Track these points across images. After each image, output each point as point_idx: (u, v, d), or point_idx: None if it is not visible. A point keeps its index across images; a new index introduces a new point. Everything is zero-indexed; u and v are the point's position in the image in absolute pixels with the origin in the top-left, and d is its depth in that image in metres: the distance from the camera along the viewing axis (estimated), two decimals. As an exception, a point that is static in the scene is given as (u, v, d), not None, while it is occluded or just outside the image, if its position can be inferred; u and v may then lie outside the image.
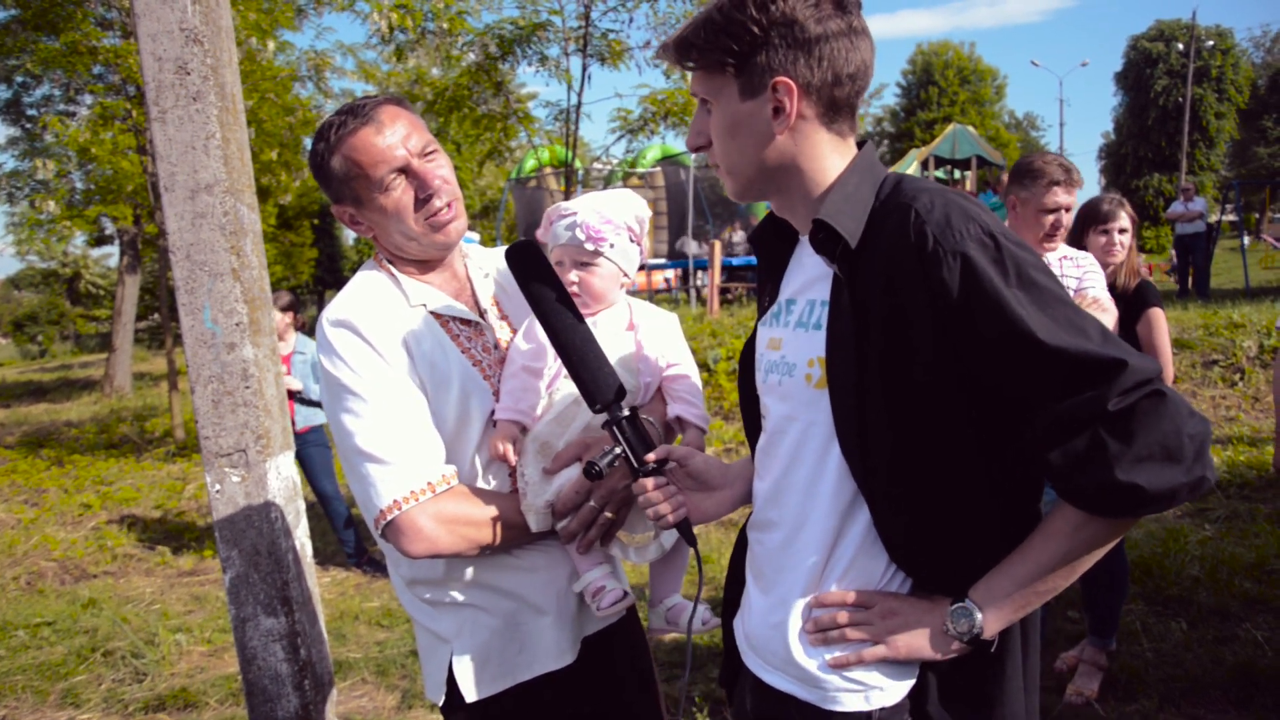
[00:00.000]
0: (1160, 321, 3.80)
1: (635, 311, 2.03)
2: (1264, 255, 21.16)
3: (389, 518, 1.75)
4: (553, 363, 1.89)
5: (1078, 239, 3.92)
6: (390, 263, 1.98)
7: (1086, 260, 3.53)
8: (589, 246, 1.92)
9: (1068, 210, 3.39)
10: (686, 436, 2.01)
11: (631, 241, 1.98)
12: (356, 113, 1.87)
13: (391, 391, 1.80)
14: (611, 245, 1.94)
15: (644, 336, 2.00)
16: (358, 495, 1.82)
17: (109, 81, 12.46)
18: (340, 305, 1.86)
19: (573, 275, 1.92)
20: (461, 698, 1.90)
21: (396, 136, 1.85)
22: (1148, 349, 3.80)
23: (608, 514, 1.85)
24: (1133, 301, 3.81)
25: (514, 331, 2.01)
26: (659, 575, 2.08)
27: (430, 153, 1.90)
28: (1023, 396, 1.30)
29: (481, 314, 2.01)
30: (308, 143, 14.44)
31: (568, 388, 1.88)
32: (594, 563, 1.93)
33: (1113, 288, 3.78)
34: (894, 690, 1.43)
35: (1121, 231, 3.84)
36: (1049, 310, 1.28)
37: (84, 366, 27.43)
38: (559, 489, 1.84)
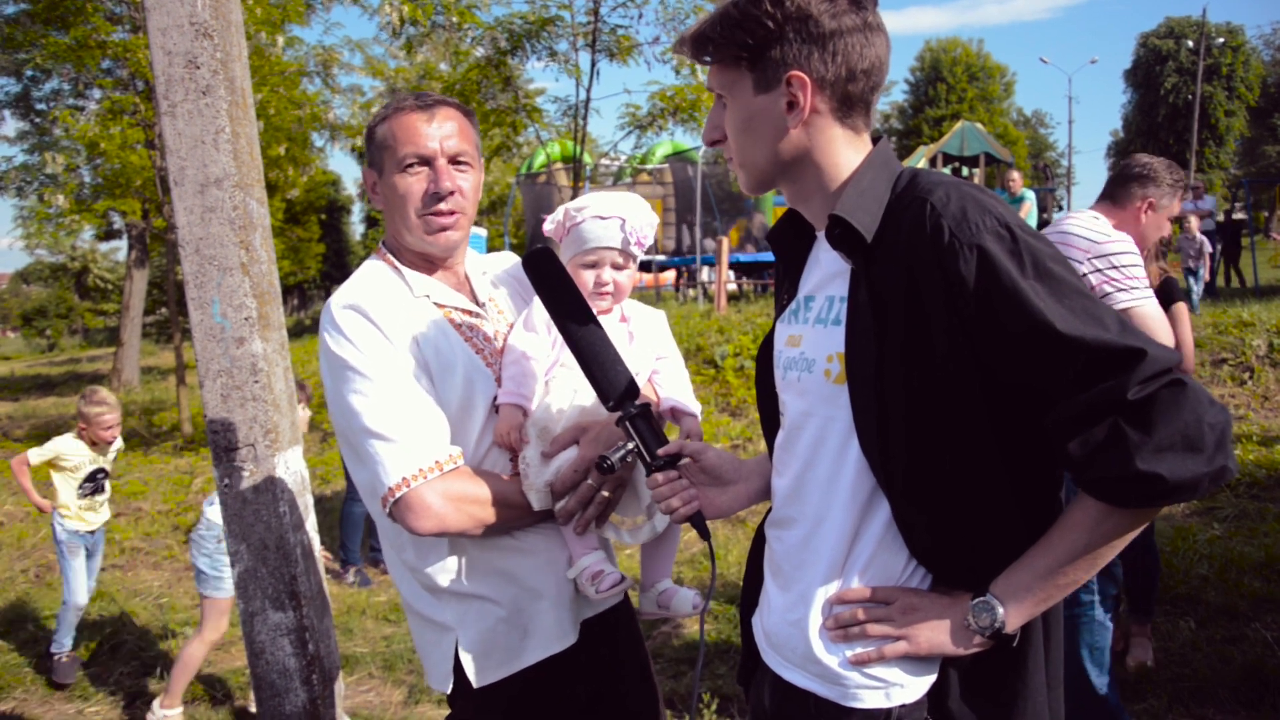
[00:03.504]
0: (1184, 316, 3.95)
1: (626, 306, 2.10)
2: (1273, 253, 21.09)
3: (398, 495, 1.78)
4: (551, 351, 1.96)
5: None
6: (394, 254, 2.02)
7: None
8: (635, 251, 2.01)
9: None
10: (683, 425, 2.07)
11: None
12: (421, 99, 1.96)
13: (398, 373, 1.83)
14: (644, 249, 2.04)
15: (635, 329, 2.08)
16: (363, 475, 1.84)
17: (118, 76, 12.51)
18: (349, 291, 1.91)
19: (607, 275, 2.00)
20: (468, 685, 1.92)
21: (439, 131, 1.91)
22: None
23: (604, 493, 1.89)
24: (1162, 297, 3.91)
25: (510, 324, 2.06)
26: (650, 559, 2.13)
27: (462, 162, 1.95)
28: (1041, 388, 1.29)
29: (480, 306, 2.05)
30: (316, 138, 14.45)
31: (565, 375, 1.94)
32: (589, 548, 1.97)
33: None
34: (915, 687, 1.43)
35: None
36: (1066, 301, 1.27)
37: (92, 360, 27.52)
38: (558, 469, 1.89)
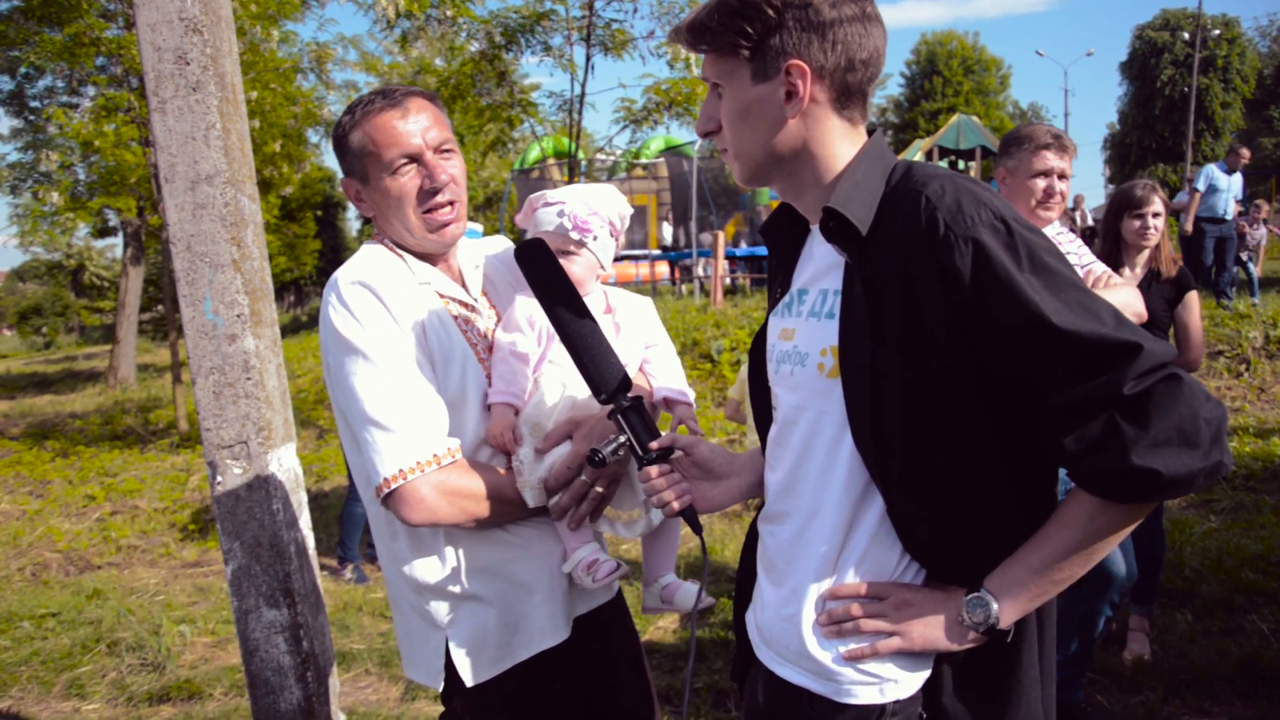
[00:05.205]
0: (1195, 303, 3.98)
1: (611, 296, 2.08)
2: (1270, 245, 21.07)
3: (393, 486, 1.77)
4: (538, 347, 1.95)
5: (1112, 224, 4.02)
6: (394, 243, 2.01)
7: (1065, 235, 3.56)
8: (574, 236, 1.97)
9: (1062, 177, 3.27)
10: (675, 413, 2.06)
11: (610, 236, 2.04)
12: (387, 95, 1.92)
13: (402, 359, 1.82)
14: (595, 237, 1.99)
15: (622, 319, 2.06)
16: (358, 461, 1.84)
17: (112, 73, 12.45)
18: (357, 268, 1.88)
19: None
20: (461, 683, 1.91)
21: (418, 125, 1.89)
22: (1183, 329, 3.99)
23: (598, 489, 1.88)
24: (1177, 286, 3.96)
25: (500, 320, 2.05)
26: (652, 554, 2.12)
27: (446, 150, 1.93)
28: (1037, 382, 1.28)
29: (475, 300, 2.05)
30: (311, 134, 14.40)
31: (554, 371, 1.94)
32: (582, 540, 1.97)
33: (1156, 274, 3.96)
34: (908, 682, 1.42)
35: (1155, 215, 3.91)
36: (1062, 294, 1.27)
37: (88, 358, 27.49)
38: (551, 466, 1.88)
